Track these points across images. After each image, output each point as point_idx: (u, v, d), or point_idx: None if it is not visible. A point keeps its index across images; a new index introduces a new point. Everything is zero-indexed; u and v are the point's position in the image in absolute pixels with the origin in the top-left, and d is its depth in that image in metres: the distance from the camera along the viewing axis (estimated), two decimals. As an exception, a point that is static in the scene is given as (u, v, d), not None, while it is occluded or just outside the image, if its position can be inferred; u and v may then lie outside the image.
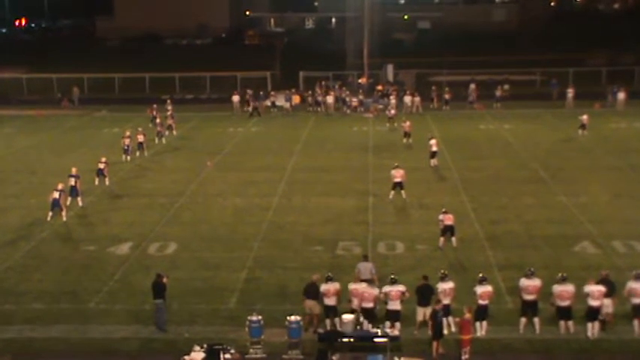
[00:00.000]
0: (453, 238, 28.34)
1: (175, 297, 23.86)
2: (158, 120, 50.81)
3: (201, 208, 34.37)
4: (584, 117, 48.80)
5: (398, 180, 34.84)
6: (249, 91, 61.68)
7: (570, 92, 60.07)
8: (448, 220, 28.35)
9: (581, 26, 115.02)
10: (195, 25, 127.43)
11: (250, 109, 59.05)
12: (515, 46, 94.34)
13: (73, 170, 34.89)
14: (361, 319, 21.74)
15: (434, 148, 41.31)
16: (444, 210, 28.99)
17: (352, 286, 22.30)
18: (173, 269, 26.51)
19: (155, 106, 55.13)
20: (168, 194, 36.48)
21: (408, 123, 47.59)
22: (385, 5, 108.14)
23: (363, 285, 22.23)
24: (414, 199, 34.81)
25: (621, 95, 60.13)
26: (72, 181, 34.28)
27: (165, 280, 22.51)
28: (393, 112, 54.32)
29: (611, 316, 21.61)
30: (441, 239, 28.42)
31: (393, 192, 34.87)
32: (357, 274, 23.36)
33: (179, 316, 23.05)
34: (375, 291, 21.86)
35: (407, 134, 46.92)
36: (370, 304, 21.64)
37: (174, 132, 51.13)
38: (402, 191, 34.80)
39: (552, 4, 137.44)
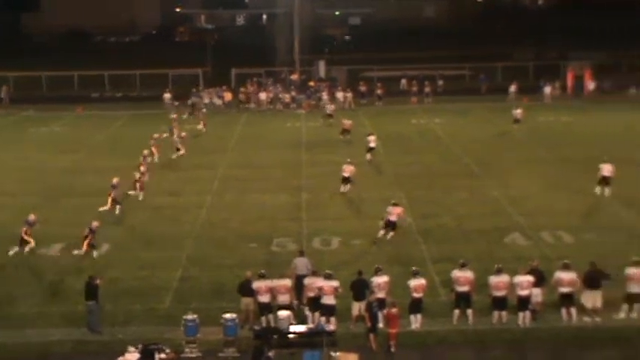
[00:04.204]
0: (391, 233, 28.68)
1: (110, 298, 23.57)
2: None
3: (134, 208, 33.97)
4: (518, 111, 49.53)
5: (346, 175, 35.03)
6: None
7: (513, 87, 61.33)
8: (393, 215, 28.68)
9: (508, 22, 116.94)
10: (124, 22, 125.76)
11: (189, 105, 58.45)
12: (445, 42, 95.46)
13: (32, 217, 29.52)
14: (307, 312, 21.81)
15: (372, 144, 41.65)
16: (393, 202, 29.34)
17: (307, 280, 22.25)
18: (107, 270, 26.18)
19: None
20: (102, 194, 35.88)
21: (349, 122, 47.85)
22: (316, 1, 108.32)
23: (319, 278, 22.13)
24: (349, 194, 35.00)
25: (548, 89, 61.62)
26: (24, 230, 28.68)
27: (98, 281, 22.24)
28: (332, 107, 54.73)
29: (540, 305, 22.11)
30: (381, 232, 28.72)
31: (342, 186, 35.08)
32: (292, 269, 23.43)
33: (114, 317, 22.78)
34: (335, 283, 21.85)
35: (346, 131, 47.13)
36: (331, 300, 21.55)
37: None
38: (347, 186, 34.97)
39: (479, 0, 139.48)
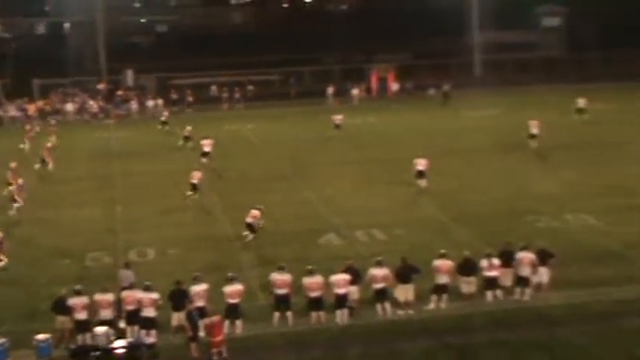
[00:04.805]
0: (249, 233, 29.13)
1: None
2: None
3: None
4: (339, 117, 50.55)
5: (194, 181, 34.86)
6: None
7: (330, 90, 62.72)
8: (250, 217, 29.19)
9: (314, 26, 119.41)
10: None
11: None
12: (253, 47, 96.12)
13: None
14: (122, 324, 21.37)
15: (206, 148, 41.51)
16: (257, 206, 29.70)
17: (125, 293, 21.88)
18: None
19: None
20: None
21: (188, 128, 47.27)
22: (120, 9, 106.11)
23: (138, 290, 21.85)
24: (159, 202, 34.64)
25: (355, 92, 63.66)
26: None
27: None
28: (166, 114, 54.24)
29: (357, 302, 22.79)
30: (245, 233, 29.09)
31: (190, 192, 34.83)
32: (118, 282, 23.06)
33: None
34: (155, 295, 21.56)
35: (187, 138, 46.54)
36: (151, 313, 21.28)
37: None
38: (191, 192, 34.69)
39: (284, 5, 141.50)
